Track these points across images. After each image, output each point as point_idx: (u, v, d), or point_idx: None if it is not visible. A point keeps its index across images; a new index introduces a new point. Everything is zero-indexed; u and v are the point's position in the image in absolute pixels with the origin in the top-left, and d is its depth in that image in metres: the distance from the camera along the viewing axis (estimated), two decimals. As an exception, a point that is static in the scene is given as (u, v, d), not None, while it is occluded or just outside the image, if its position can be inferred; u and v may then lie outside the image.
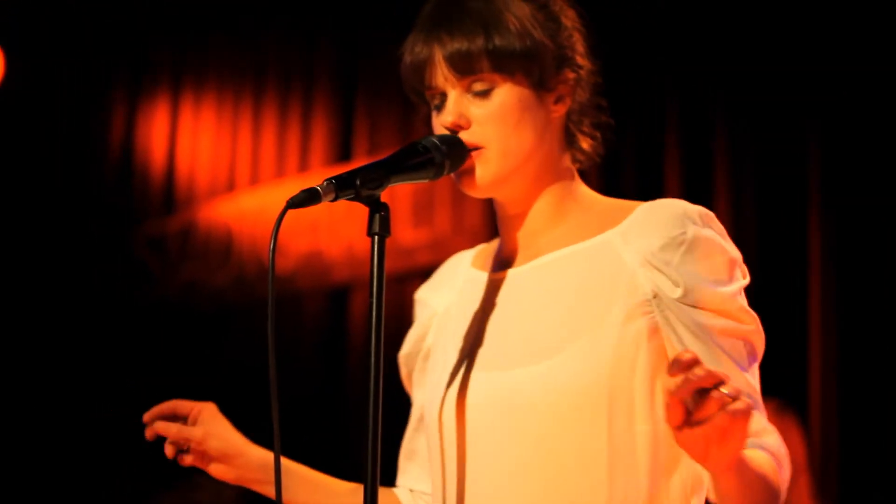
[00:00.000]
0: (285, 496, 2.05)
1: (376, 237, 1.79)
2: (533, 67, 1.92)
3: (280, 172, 5.72)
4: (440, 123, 1.94)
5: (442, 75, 1.93)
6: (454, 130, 1.92)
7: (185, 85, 6.14)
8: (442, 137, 1.91)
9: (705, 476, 1.84)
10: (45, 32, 6.22)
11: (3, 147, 6.33)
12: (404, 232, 5.12)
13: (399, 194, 5.11)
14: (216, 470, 2.09)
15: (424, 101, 1.98)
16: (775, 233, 4.11)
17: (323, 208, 2.09)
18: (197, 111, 6.08)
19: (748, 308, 1.87)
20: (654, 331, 1.86)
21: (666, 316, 1.84)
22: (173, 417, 2.08)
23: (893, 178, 3.90)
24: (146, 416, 2.08)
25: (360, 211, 1.80)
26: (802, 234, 4.05)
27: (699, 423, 1.54)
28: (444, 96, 1.94)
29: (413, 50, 1.95)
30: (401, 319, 2.36)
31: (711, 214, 1.90)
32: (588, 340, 1.85)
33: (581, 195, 2.00)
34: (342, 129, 5.55)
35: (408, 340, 2.15)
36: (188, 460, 2.08)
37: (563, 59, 1.96)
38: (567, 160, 2.00)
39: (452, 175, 1.93)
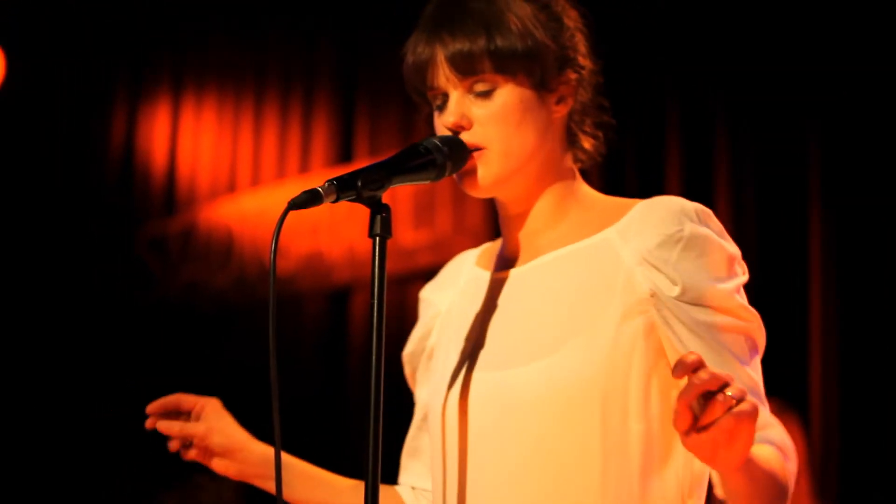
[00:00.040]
0: (286, 492, 2.06)
1: (377, 238, 1.78)
2: (535, 68, 1.92)
3: (281, 173, 5.72)
4: (442, 124, 1.94)
5: (444, 76, 1.93)
6: (456, 131, 1.92)
7: (186, 86, 6.13)
8: (443, 138, 1.90)
9: (711, 476, 1.84)
10: (45, 33, 6.21)
11: (4, 148, 6.33)
12: (405, 233, 5.11)
13: (400, 195, 5.11)
14: (218, 465, 2.10)
15: (426, 101, 1.98)
16: (775, 233, 4.11)
17: (324, 209, 2.09)
18: (198, 112, 6.08)
19: (747, 305, 1.86)
20: (651, 329, 1.85)
21: (664, 315, 1.84)
22: (177, 412, 2.09)
23: (893, 178, 3.90)
24: (150, 408, 2.09)
25: (362, 212, 1.80)
26: (802, 233, 4.05)
27: (705, 427, 1.53)
28: (445, 97, 1.94)
29: (415, 50, 1.95)
30: (402, 320, 2.36)
31: (709, 211, 1.89)
32: (584, 339, 1.85)
33: (582, 194, 2.00)
34: (343, 129, 5.55)
35: (412, 339, 2.15)
36: (191, 455, 2.10)
37: (565, 60, 1.96)
38: (569, 160, 2.00)
39: (454, 175, 1.93)
